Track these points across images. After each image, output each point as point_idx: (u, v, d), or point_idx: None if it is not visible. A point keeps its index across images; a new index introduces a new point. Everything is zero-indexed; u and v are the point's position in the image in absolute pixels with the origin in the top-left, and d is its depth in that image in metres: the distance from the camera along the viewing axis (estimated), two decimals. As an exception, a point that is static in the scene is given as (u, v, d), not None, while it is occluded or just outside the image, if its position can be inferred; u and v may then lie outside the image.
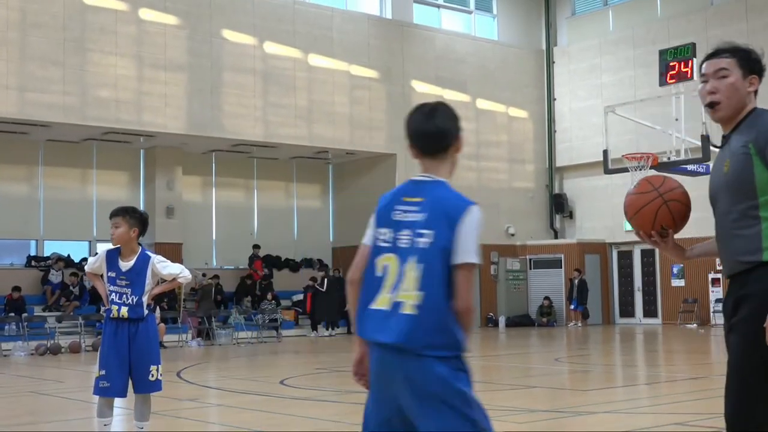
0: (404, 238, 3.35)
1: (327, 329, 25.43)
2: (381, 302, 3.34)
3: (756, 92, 3.74)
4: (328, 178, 29.77)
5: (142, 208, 25.34)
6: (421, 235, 3.31)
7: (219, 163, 27.32)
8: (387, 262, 3.37)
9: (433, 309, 3.23)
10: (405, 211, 3.39)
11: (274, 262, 27.54)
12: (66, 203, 24.75)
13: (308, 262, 28.18)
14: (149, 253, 7.21)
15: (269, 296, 24.89)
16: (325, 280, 25.79)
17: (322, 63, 26.33)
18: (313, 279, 26.21)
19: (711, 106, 3.70)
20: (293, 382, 12.98)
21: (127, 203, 25.75)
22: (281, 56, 25.62)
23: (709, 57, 3.77)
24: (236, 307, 24.40)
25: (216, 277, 25.09)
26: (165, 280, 7.37)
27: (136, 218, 7.09)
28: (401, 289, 3.28)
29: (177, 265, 7.50)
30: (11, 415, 10.16)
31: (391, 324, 3.26)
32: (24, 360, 19.23)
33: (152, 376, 7.10)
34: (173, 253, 24.90)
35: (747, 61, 3.69)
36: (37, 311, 22.41)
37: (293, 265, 27.82)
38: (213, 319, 23.58)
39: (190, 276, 7.42)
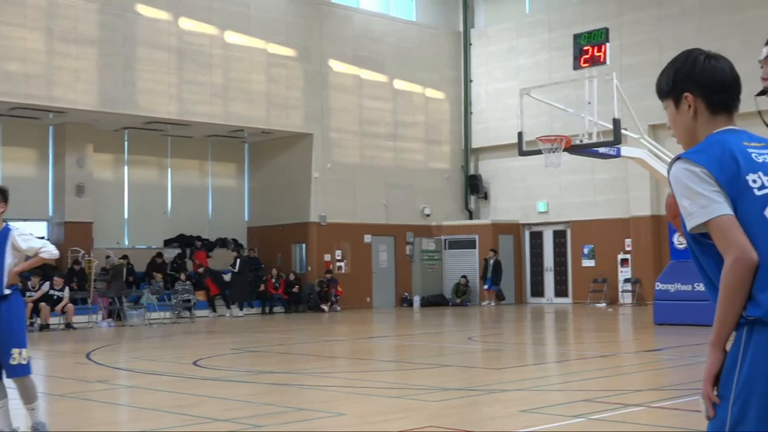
0: None
1: (241, 309, 25.24)
2: None
3: None
4: (243, 157, 29.45)
5: (51, 186, 24.80)
6: None
7: (132, 141, 26.76)
8: None
9: None
10: (759, 154, 2.87)
11: (188, 242, 27.18)
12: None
13: (223, 242, 27.89)
14: (11, 226, 6.73)
15: (183, 276, 24.54)
16: (238, 260, 25.57)
17: (238, 40, 25.98)
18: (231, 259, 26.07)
19: (764, 92, 3.60)
20: (206, 363, 12.85)
21: (35, 181, 25.06)
22: (197, 32, 25.18)
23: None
24: (149, 287, 24.00)
25: (126, 257, 24.61)
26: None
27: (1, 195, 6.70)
28: None
29: (40, 240, 7.02)
30: None
31: None
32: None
33: (14, 359, 6.56)
34: (83, 232, 24.36)
35: None
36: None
37: (208, 245, 27.50)
38: (124, 300, 23.15)
39: (55, 252, 6.86)
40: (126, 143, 26.75)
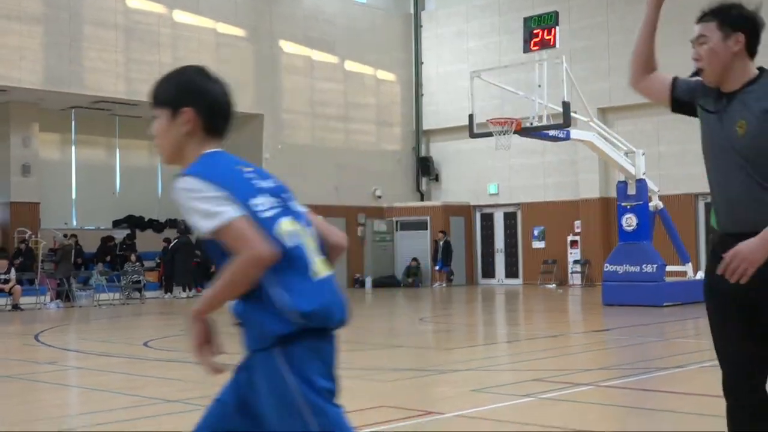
0: None
1: (184, 291, 25.01)
2: None
3: (751, 47, 3.61)
4: (193, 137, 29.14)
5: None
6: None
7: (79, 121, 26.37)
8: None
9: None
10: (253, 179, 3.03)
11: (137, 223, 26.90)
12: None
13: (173, 222, 27.65)
14: None
15: (133, 258, 24.29)
16: (175, 241, 25.28)
17: (187, 20, 25.69)
18: (167, 240, 25.80)
19: (697, 73, 3.67)
20: (156, 344, 12.76)
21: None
22: (145, 11, 24.85)
23: (697, 22, 3.70)
24: (97, 268, 23.72)
25: (74, 236, 24.26)
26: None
27: None
28: None
29: None
30: None
31: None
32: None
33: None
34: (30, 212, 23.99)
35: (728, 19, 3.59)
36: None
37: (157, 226, 27.24)
38: (72, 281, 22.85)
39: None
40: (73, 123, 26.35)
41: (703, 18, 3.66)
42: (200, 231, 2.78)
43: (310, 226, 2.99)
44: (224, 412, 2.92)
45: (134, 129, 27.53)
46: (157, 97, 3.06)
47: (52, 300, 22.05)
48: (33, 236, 23.35)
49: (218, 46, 26.35)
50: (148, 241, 26.38)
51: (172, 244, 25.40)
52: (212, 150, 3.01)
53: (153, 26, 24.96)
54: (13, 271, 21.33)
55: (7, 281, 21.05)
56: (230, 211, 2.74)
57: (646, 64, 3.85)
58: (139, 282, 24.00)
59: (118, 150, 27.43)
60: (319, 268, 2.89)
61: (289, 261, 2.78)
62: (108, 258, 24.77)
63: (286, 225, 2.84)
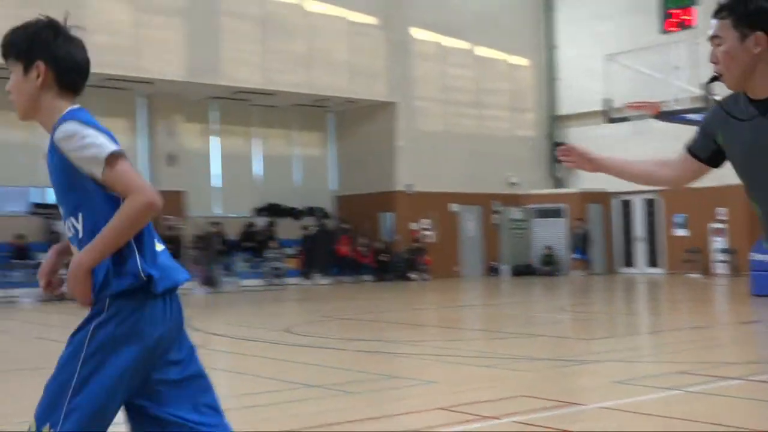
0: None
1: (323, 277, 25.46)
2: None
3: None
4: (328, 126, 29.63)
5: (145, 156, 25.38)
6: None
7: (219, 111, 27.18)
8: None
9: None
10: None
11: (276, 211, 27.56)
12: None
13: (311, 211, 28.19)
14: None
15: (273, 244, 24.93)
16: (317, 229, 25.85)
17: (320, 9, 26.08)
18: (305, 228, 26.33)
19: (716, 78, 3.12)
20: (298, 329, 13.06)
21: (128, 151, 25.72)
22: (279, 2, 25.38)
23: (713, 17, 3.10)
24: (240, 255, 24.46)
25: (218, 224, 25.07)
26: None
27: None
28: None
29: None
30: (19, 359, 10.23)
31: None
32: (31, 306, 19.35)
33: None
34: (176, 201, 24.92)
35: (745, 17, 2.96)
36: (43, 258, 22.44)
37: (295, 213, 27.86)
38: (217, 267, 23.64)
39: None
40: (214, 113, 27.18)
41: (718, 13, 3.04)
42: (91, 169, 2.79)
43: None
44: None
45: (271, 118, 28.20)
46: (10, 51, 2.99)
47: (199, 286, 22.87)
48: (179, 224, 24.25)
49: (351, 34, 26.63)
50: (288, 229, 26.99)
51: (310, 232, 25.94)
52: (76, 106, 2.97)
53: (287, 17, 25.46)
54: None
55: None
56: (118, 148, 2.79)
57: (650, 176, 3.59)
58: (279, 268, 24.61)
59: (256, 139, 28.13)
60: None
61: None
62: (250, 245, 25.50)
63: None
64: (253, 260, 24.59)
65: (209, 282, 23.26)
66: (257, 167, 28.10)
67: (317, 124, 29.39)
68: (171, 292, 3.01)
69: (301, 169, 28.94)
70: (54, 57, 2.95)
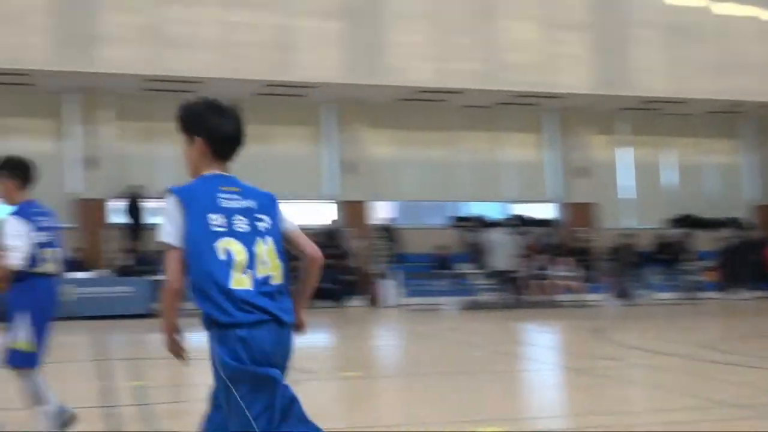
0: None
1: (742, 292, 23.85)
2: None
3: None
4: (739, 132, 27.92)
5: (557, 168, 25.75)
6: None
7: (629, 121, 26.77)
8: None
9: None
10: (228, 199, 3.69)
11: (693, 222, 26.48)
12: (479, 164, 25.67)
13: (727, 221, 26.70)
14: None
15: (688, 256, 23.99)
16: (739, 240, 24.28)
17: (730, 10, 24.72)
18: (723, 239, 24.94)
19: None
20: (717, 345, 12.41)
21: (535, 165, 26.16)
22: (686, 6, 24.48)
23: None
24: (653, 268, 23.87)
25: (631, 236, 24.66)
26: None
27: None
28: None
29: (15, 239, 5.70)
30: (444, 363, 10.84)
31: None
32: (453, 313, 20.53)
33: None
34: (587, 213, 25.03)
35: None
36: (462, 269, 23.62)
37: (711, 224, 26.53)
38: (630, 279, 23.29)
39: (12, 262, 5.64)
40: (622, 124, 26.80)
41: None
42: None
43: (264, 241, 3.58)
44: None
45: (680, 127, 27.16)
46: (179, 126, 3.75)
47: (612, 297, 22.70)
48: (590, 235, 24.28)
49: (764, 34, 24.90)
50: (701, 240, 25.80)
51: (731, 243, 24.59)
52: (209, 173, 3.69)
53: (695, 21, 24.48)
54: (576, 269, 22.41)
55: (571, 278, 22.18)
56: (172, 241, 3.55)
57: None
58: (696, 281, 23.62)
59: (666, 149, 27.27)
60: (238, 282, 3.48)
61: (212, 274, 3.46)
62: (664, 257, 24.75)
63: (222, 243, 3.49)
64: (667, 272, 23.83)
65: (622, 294, 22.96)
66: (667, 177, 27.22)
67: (728, 130, 27.79)
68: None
69: (712, 179, 27.54)
70: (208, 132, 3.67)
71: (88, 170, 22.29)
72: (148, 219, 21.19)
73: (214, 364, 3.48)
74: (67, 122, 22.56)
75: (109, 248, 21.83)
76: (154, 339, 15.03)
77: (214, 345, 3.46)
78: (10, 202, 5.85)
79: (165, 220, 3.55)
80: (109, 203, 22.41)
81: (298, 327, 3.72)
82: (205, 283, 3.44)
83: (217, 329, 3.44)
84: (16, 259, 5.54)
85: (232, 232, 3.52)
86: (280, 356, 3.49)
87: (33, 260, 5.68)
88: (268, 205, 3.67)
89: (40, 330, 5.75)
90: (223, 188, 3.61)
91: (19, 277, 5.55)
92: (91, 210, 22.13)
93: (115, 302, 18.86)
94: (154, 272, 19.48)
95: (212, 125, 3.67)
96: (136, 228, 21.59)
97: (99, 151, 22.39)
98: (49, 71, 20.63)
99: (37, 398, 5.80)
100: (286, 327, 3.52)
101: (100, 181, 22.31)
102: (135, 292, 19.10)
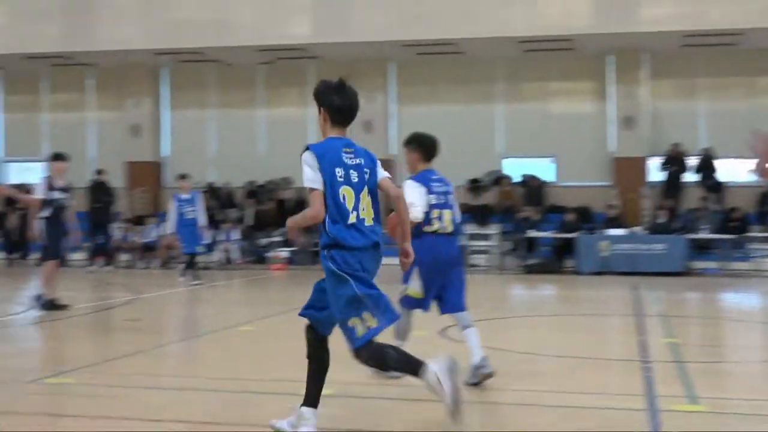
0: None
1: None
2: None
3: None
4: None
5: None
6: None
7: None
8: None
9: None
10: (348, 157, 5.06)
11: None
12: None
13: None
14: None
15: None
16: None
17: None
18: None
19: None
20: None
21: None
22: None
23: None
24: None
25: None
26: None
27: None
28: None
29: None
30: None
31: None
32: None
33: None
34: None
35: None
36: None
37: None
38: None
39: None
40: None
41: None
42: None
43: (367, 190, 4.98)
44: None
45: None
46: (315, 100, 5.08)
47: None
48: None
49: None
50: None
51: None
52: (331, 135, 5.03)
53: None
54: None
55: None
56: (317, 184, 4.88)
57: None
58: None
59: None
60: (353, 217, 4.90)
61: (339, 209, 4.86)
62: None
63: (343, 190, 4.88)
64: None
65: None
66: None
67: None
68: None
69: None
70: (329, 105, 5.03)
71: (624, 129, 22.82)
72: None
73: (330, 270, 4.87)
74: (606, 83, 23.31)
75: (645, 206, 22.18)
76: (689, 298, 15.15)
77: (336, 256, 4.84)
78: (413, 171, 6.81)
79: (307, 169, 4.86)
80: (647, 161, 22.73)
81: (404, 253, 5.18)
82: (336, 216, 4.82)
83: (338, 250, 4.83)
84: (417, 212, 6.49)
85: (348, 182, 4.87)
86: (374, 267, 4.95)
87: (426, 220, 6.60)
88: (371, 163, 5.00)
89: (428, 281, 6.62)
90: (346, 150, 4.93)
91: (415, 233, 6.27)
92: (627, 168, 22.63)
93: (650, 259, 19.12)
94: (690, 230, 19.40)
95: (331, 99, 4.98)
96: (675, 185, 21.67)
97: (635, 111, 22.79)
98: (591, 34, 21.50)
99: (400, 334, 6.80)
100: (378, 249, 4.94)
101: (637, 140, 22.72)
102: (669, 249, 19.19)
